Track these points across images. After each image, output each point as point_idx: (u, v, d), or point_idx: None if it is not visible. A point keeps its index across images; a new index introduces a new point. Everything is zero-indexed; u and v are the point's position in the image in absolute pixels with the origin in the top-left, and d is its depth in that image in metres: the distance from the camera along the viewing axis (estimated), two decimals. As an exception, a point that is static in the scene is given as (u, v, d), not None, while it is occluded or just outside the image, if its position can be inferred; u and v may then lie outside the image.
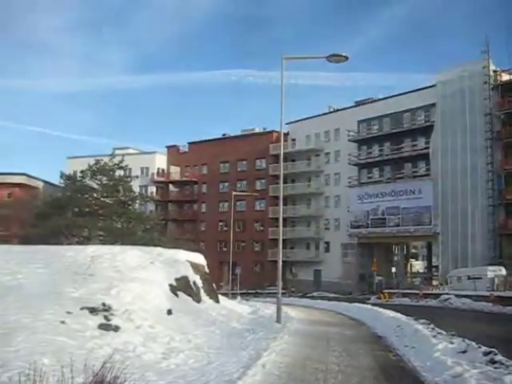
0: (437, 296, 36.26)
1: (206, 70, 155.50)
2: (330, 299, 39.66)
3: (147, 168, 71.22)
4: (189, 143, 74.78)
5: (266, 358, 9.96)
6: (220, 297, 21.25)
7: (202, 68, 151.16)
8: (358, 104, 60.62)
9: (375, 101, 58.46)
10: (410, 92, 53.68)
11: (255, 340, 12.71)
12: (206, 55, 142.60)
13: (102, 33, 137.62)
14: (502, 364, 8.46)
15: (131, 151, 70.22)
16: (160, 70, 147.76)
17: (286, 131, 61.85)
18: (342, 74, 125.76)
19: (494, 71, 46.84)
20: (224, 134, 73.20)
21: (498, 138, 45.41)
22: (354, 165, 57.61)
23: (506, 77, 47.00)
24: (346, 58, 17.05)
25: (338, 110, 62.50)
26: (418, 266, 68.95)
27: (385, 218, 52.68)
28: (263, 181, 64.97)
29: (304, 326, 17.91)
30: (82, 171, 34.05)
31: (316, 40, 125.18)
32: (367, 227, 54.12)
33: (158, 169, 73.02)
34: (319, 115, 63.75)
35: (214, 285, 20.87)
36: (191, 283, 16.98)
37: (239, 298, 36.16)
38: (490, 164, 45.19)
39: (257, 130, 70.56)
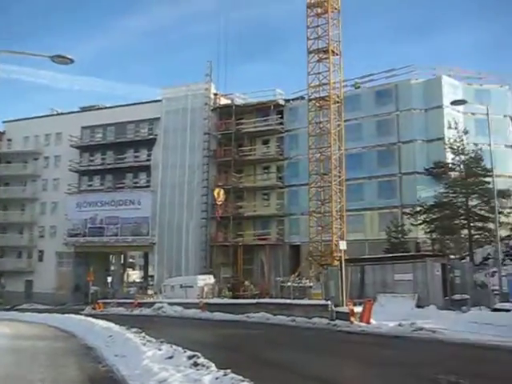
0: (151, 304, 37.16)
1: None
2: (41, 311, 37.58)
3: None
4: None
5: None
6: None
7: None
8: (84, 110, 59.15)
9: (101, 108, 57.77)
10: (136, 104, 54.44)
11: None
12: None
13: None
14: (204, 366, 9.06)
15: None
16: None
17: (1, 130, 57.88)
18: (70, 77, 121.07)
19: (215, 94, 50.54)
20: None
21: (214, 157, 48.99)
22: (75, 171, 55.93)
23: (224, 101, 51.12)
24: (72, 61, 16.43)
25: (61, 114, 60.14)
26: (135, 275, 69.91)
27: (103, 227, 52.19)
28: (-31, 181, 58.67)
29: (8, 341, 16.56)
30: None
31: (52, 38, 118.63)
32: (85, 236, 52.90)
33: None
34: (41, 116, 60.39)
35: None
36: None
37: None
38: (205, 180, 48.30)
39: (-34, 126, 63.57)
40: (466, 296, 25.10)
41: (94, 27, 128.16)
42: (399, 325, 18.80)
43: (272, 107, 47.87)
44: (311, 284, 34.62)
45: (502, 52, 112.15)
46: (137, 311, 36.67)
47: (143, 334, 14.80)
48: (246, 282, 40.68)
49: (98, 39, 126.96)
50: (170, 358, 10.39)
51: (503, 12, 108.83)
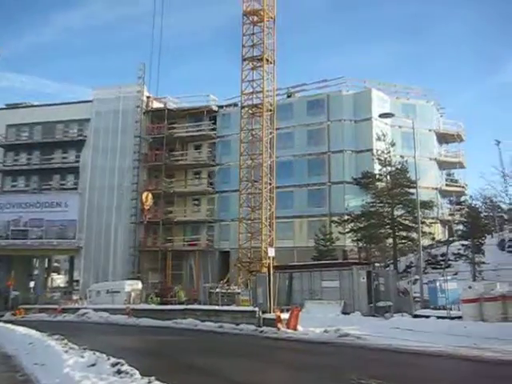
0: (76, 310, 36.15)
1: None
2: (-45, 317, 35.64)
3: None
4: None
5: None
6: None
7: None
8: (10, 107, 56.89)
9: (29, 106, 55.84)
10: (66, 103, 52.95)
11: None
12: None
13: None
14: (127, 373, 8.85)
15: None
16: None
17: None
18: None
19: (148, 97, 49.94)
20: None
21: (145, 161, 48.34)
22: (-1, 171, 53.79)
23: (156, 104, 50.58)
24: (-4, 56, 15.83)
25: (-15, 111, 57.63)
26: (60, 280, 67.67)
27: (27, 230, 50.29)
28: None
29: None
30: None
31: None
32: (7, 238, 50.72)
33: None
34: (-38, 113, 57.67)
35: None
36: None
37: None
38: (135, 184, 47.52)
39: None
40: (390, 303, 25.87)
41: (23, 22, 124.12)
42: (325, 331, 19.13)
43: (205, 113, 47.88)
44: (240, 290, 34.70)
45: (427, 69, 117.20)
46: (60, 317, 35.57)
47: (65, 341, 14.31)
48: (177, 287, 40.27)
49: (27, 34, 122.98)
50: (93, 365, 10.10)
51: (425, 30, 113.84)
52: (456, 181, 49.56)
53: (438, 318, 21.27)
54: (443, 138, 48.45)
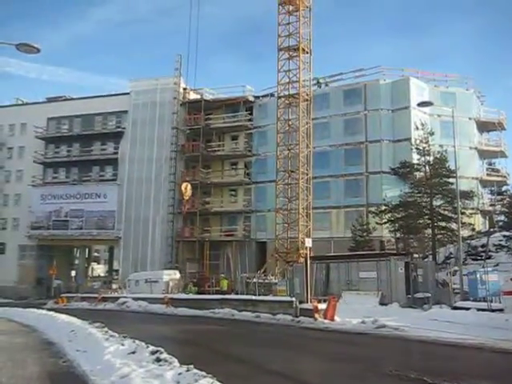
0: (115, 299, 36.80)
1: None
2: (2, 305, 36.75)
3: None
4: None
5: None
6: None
7: None
8: (50, 100, 58.14)
9: (68, 99, 56.99)
10: (105, 96, 53.86)
11: None
12: None
13: None
14: (166, 361, 9.00)
15: None
16: None
17: (-37, 119, 56.08)
18: (38, 66, 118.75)
19: (184, 89, 50.29)
20: None
21: (182, 152, 48.77)
22: (40, 163, 54.99)
23: (193, 95, 50.89)
24: (38, 50, 16.12)
25: (27, 104, 59.05)
26: (100, 269, 69.15)
27: (68, 221, 51.47)
28: None
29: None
30: None
31: (22, 25, 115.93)
32: (49, 229, 52.07)
33: None
34: (5, 106, 59.28)
35: None
36: None
37: None
38: (172, 175, 48.05)
39: None
40: (428, 294, 25.51)
41: (64, 16, 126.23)
42: (362, 322, 19.02)
43: (241, 103, 47.95)
44: (276, 281, 34.76)
45: (469, 56, 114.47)
46: (101, 306, 36.27)
47: (106, 329, 14.60)
48: (222, 276, 40.64)
49: (65, 28, 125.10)
50: (133, 353, 10.29)
51: (477, 14, 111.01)
52: (497, 170, 48.36)
53: (478, 310, 20.84)
54: (484, 127, 47.35)
